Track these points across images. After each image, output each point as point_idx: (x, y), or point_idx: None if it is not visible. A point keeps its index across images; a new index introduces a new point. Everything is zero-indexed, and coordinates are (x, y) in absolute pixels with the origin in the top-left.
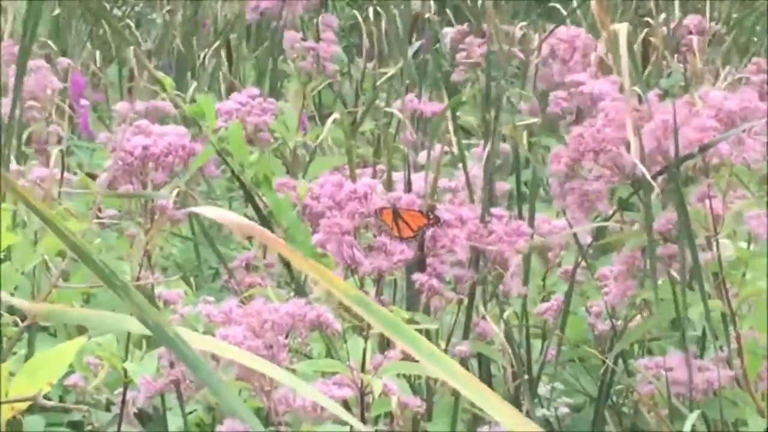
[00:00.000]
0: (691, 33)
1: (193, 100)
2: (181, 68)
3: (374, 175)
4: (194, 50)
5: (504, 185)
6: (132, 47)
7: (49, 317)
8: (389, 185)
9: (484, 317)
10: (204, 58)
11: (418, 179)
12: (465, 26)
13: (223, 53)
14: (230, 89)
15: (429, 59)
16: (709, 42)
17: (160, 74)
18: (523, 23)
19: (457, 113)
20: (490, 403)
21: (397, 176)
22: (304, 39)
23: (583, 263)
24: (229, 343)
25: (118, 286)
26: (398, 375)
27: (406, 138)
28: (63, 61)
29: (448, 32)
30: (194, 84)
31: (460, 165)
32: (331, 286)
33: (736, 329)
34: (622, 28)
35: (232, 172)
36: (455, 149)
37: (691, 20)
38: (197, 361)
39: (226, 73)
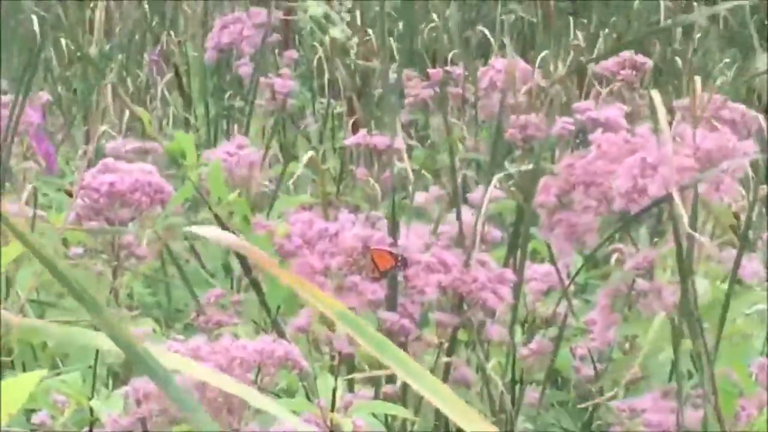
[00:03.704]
0: (624, 68)
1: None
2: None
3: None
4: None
5: (494, 232)
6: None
7: (29, 332)
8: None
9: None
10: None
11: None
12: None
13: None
14: (185, 127)
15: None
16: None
17: None
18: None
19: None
20: (478, 427)
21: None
22: (266, 76)
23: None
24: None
25: (89, 302)
26: (374, 415)
27: (361, 172)
28: (42, 96)
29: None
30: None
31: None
32: (317, 300)
33: (712, 368)
34: None
35: (211, 210)
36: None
37: (624, 55)
38: (168, 379)
39: (179, 108)
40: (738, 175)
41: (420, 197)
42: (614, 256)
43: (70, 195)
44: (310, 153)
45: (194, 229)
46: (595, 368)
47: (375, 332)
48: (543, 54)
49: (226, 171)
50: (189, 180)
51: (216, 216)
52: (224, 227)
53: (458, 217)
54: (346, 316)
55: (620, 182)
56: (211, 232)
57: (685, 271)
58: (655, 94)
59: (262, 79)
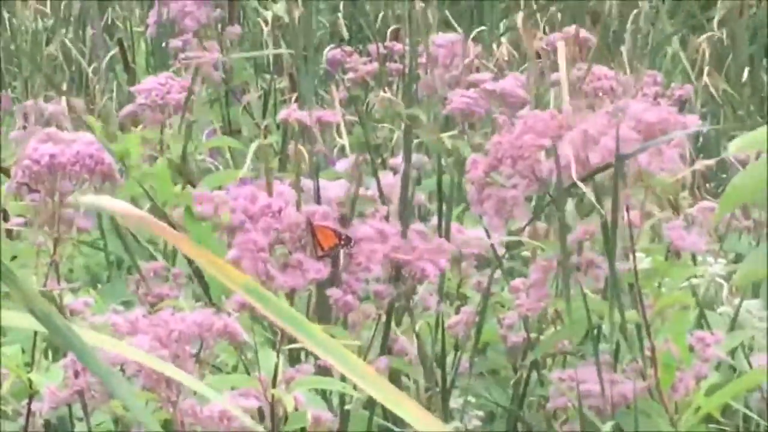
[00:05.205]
0: (568, 45)
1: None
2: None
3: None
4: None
5: (420, 197)
6: None
7: None
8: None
9: (396, 333)
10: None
11: (333, 187)
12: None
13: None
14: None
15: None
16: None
17: None
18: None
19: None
20: (384, 392)
21: (308, 185)
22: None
23: (497, 274)
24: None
25: (6, 275)
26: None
27: (291, 148)
28: None
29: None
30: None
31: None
32: (220, 273)
33: (651, 340)
34: None
35: (155, 204)
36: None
37: (568, 31)
38: (85, 350)
39: (123, 83)
40: (680, 148)
41: (342, 164)
42: (526, 232)
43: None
44: (257, 143)
45: (93, 199)
46: (527, 336)
47: (284, 305)
48: (479, 29)
49: (159, 98)
50: (132, 178)
51: (163, 213)
52: (168, 220)
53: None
54: (253, 290)
55: (564, 153)
56: (111, 203)
57: (610, 244)
58: (560, 45)
59: (189, 54)
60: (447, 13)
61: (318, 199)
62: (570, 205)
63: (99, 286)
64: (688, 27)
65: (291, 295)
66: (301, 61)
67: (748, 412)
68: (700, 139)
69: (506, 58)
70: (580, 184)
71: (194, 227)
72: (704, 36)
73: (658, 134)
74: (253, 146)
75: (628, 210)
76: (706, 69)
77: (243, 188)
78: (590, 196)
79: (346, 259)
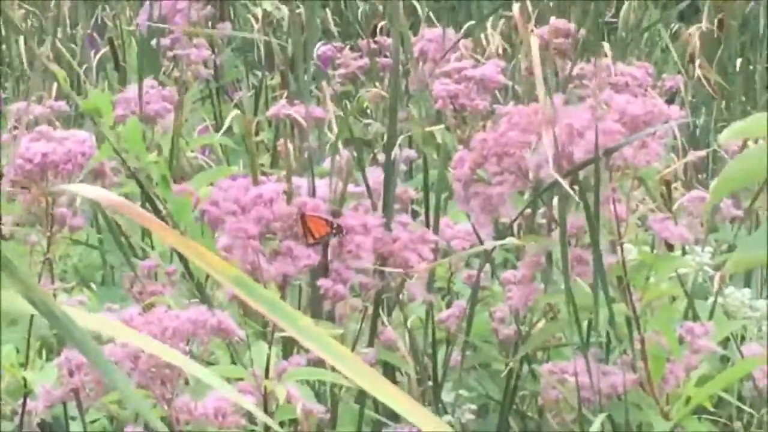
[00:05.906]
0: (557, 36)
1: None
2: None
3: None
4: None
5: (409, 191)
6: None
7: None
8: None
9: (384, 324)
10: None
11: (322, 185)
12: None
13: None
14: None
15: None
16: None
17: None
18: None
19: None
20: (370, 381)
21: (298, 182)
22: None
23: (487, 268)
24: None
25: (3, 263)
26: (302, 381)
27: (281, 144)
28: None
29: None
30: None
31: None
32: (207, 265)
33: (641, 333)
34: None
35: (129, 170)
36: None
37: (557, 23)
38: (84, 339)
39: (114, 82)
40: (664, 140)
41: (328, 161)
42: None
43: None
44: (235, 112)
45: (69, 187)
46: (519, 331)
47: (272, 296)
48: (469, 24)
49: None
50: (107, 140)
51: (136, 179)
52: (143, 189)
53: (363, 175)
54: (240, 280)
55: (547, 150)
56: (86, 190)
57: (596, 236)
58: (533, 38)
59: (179, 52)
60: (426, 9)
61: (313, 195)
62: (556, 200)
63: (93, 286)
64: (679, 17)
65: (283, 285)
66: (296, 56)
67: (738, 403)
68: (697, 131)
69: (499, 51)
70: (561, 181)
71: (171, 197)
72: (695, 27)
73: (643, 127)
74: (232, 115)
75: (614, 203)
76: (697, 60)
77: (235, 180)
78: (570, 192)
79: (337, 249)
